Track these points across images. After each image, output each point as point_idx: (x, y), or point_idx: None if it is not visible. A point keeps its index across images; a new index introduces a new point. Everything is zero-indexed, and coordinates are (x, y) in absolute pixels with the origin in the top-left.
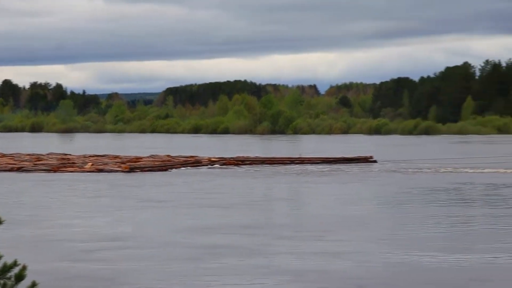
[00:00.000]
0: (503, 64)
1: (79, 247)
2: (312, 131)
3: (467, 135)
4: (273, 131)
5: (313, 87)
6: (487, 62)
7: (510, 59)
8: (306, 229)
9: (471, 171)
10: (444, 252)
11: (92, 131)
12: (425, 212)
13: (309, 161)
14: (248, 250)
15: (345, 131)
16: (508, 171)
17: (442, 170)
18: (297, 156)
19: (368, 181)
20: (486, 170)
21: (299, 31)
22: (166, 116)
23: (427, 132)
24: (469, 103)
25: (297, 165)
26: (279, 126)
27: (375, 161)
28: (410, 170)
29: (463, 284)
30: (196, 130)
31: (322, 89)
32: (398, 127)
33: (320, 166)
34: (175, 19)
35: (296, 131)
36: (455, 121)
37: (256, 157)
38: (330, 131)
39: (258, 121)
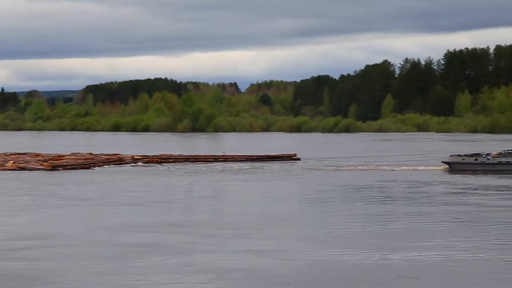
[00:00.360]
0: (422, 63)
1: (1, 245)
2: (233, 129)
3: (387, 133)
4: (194, 129)
5: (234, 85)
6: (406, 60)
7: (429, 57)
8: (230, 227)
9: (393, 168)
10: (369, 249)
11: (11, 129)
12: (349, 209)
13: (232, 159)
14: (173, 248)
15: (266, 129)
16: (428, 168)
17: (364, 168)
18: (221, 154)
19: (292, 178)
20: (407, 168)
21: (219, 29)
22: (86, 114)
23: (348, 130)
24: (388, 101)
25: (220, 163)
26: (200, 124)
27: (298, 159)
28: (332, 168)
29: (388, 281)
30: (116, 128)
31: (243, 87)
32: (318, 125)
33: (244, 164)
34: (95, 16)
35: (217, 129)
36: (375, 119)
37: (180, 155)
38: (250, 129)
39: (178, 119)
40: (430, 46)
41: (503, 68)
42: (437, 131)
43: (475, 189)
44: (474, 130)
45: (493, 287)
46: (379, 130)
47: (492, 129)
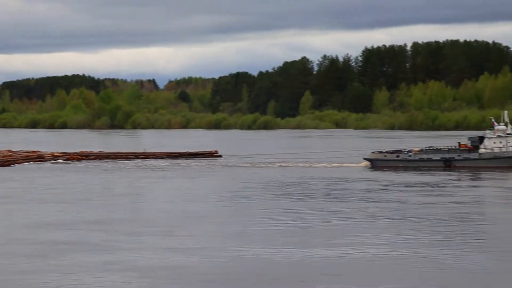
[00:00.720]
0: (340, 59)
1: None
2: (151, 125)
3: (305, 130)
4: (112, 126)
5: (152, 82)
6: (324, 57)
7: (347, 54)
8: (152, 224)
9: (314, 165)
10: (291, 246)
11: None
12: (271, 206)
13: (154, 156)
14: (95, 246)
15: (184, 125)
16: (350, 165)
17: (286, 164)
18: (141, 151)
19: (214, 175)
20: (328, 165)
21: (138, 25)
22: (3, 111)
23: (266, 126)
24: (307, 98)
25: (141, 160)
26: (118, 121)
27: (220, 156)
28: (254, 164)
29: (312, 278)
30: (33, 124)
31: (161, 84)
32: (237, 121)
33: (165, 161)
34: (12, 12)
35: (135, 126)
36: (294, 115)
37: (100, 152)
38: (169, 125)
39: (96, 115)
40: (348, 43)
41: (420, 65)
42: (355, 128)
43: (397, 186)
44: (392, 127)
45: (412, 282)
46: (298, 126)
47: (410, 126)
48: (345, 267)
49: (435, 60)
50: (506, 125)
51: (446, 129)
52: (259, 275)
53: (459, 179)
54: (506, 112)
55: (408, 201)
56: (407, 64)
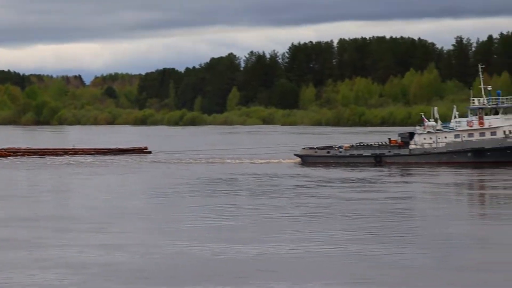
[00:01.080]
0: (267, 56)
1: None
2: (77, 121)
3: (232, 126)
4: (38, 122)
5: (78, 78)
6: (251, 53)
7: (274, 50)
8: (84, 221)
9: (245, 161)
10: (227, 243)
11: None
12: (204, 202)
13: (83, 152)
14: (26, 243)
15: (111, 122)
16: (281, 161)
17: (216, 161)
18: (70, 147)
19: (144, 172)
20: (259, 161)
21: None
22: None
23: (193, 122)
24: (234, 94)
25: (71, 156)
26: (44, 117)
27: (149, 152)
28: (184, 161)
29: (248, 274)
30: None
31: (87, 80)
32: (164, 118)
33: (94, 157)
34: None
35: (61, 122)
36: (221, 112)
37: (28, 148)
38: (95, 122)
39: (22, 111)
40: (275, 39)
41: (347, 61)
42: (283, 124)
43: (328, 182)
44: (319, 123)
45: (347, 278)
46: (225, 123)
47: (336, 122)
48: (279, 263)
49: (362, 57)
50: (436, 121)
51: (373, 125)
52: (193, 272)
53: (390, 175)
54: (435, 108)
55: (340, 197)
56: (334, 61)
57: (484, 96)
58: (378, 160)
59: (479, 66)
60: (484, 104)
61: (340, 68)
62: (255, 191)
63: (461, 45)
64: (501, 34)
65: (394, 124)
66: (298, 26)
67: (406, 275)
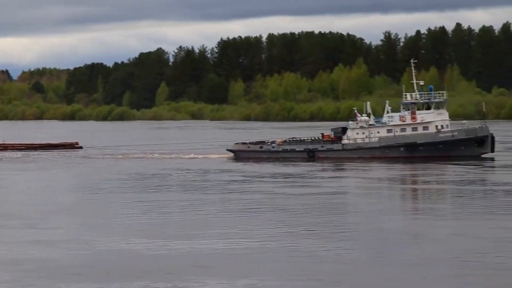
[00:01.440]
0: (196, 51)
1: None
2: (4, 116)
3: (161, 121)
4: None
5: (5, 73)
6: (180, 48)
7: (203, 45)
8: (16, 217)
9: (178, 156)
10: (160, 238)
11: None
12: (136, 198)
13: (13, 148)
14: None
15: (39, 117)
16: (214, 156)
17: (148, 156)
18: (0, 142)
19: (76, 167)
20: (192, 156)
21: None
22: None
23: (122, 117)
24: (163, 89)
25: (0, 152)
26: None
27: (80, 147)
28: (116, 156)
29: (183, 270)
30: None
31: (15, 75)
32: (92, 113)
33: (25, 153)
34: None
35: None
36: (149, 107)
37: None
38: (23, 117)
39: None
40: (204, 34)
41: (276, 56)
42: (212, 119)
43: (261, 177)
44: (248, 118)
45: (283, 274)
46: (154, 118)
47: (266, 117)
48: (214, 259)
49: (291, 52)
50: (368, 116)
51: (302, 120)
52: (126, 268)
53: (323, 170)
54: (368, 103)
55: (274, 193)
56: (263, 56)
57: (416, 91)
58: (311, 155)
59: (411, 61)
60: (416, 99)
61: (269, 63)
62: (188, 186)
63: (389, 40)
64: (429, 30)
65: (323, 119)
66: (227, 21)
67: (341, 270)
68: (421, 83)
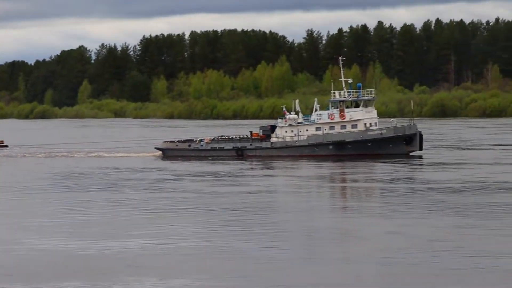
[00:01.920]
0: (119, 48)
1: None
2: None
3: (84, 119)
4: None
5: None
6: (102, 46)
7: (125, 43)
8: None
9: (104, 155)
10: (90, 238)
11: None
12: (65, 197)
13: None
14: None
15: None
16: (142, 154)
17: (77, 154)
18: None
19: (2, 166)
20: (120, 154)
21: None
22: None
23: (44, 116)
24: (85, 87)
25: None
26: None
27: (6, 146)
28: (43, 155)
29: (114, 270)
30: None
31: None
32: (14, 111)
33: None
34: None
35: None
36: (72, 105)
37: None
38: None
39: None
40: (126, 31)
41: (198, 54)
42: (135, 117)
43: (190, 176)
44: (171, 116)
45: (216, 273)
46: (76, 116)
47: (189, 115)
48: (145, 258)
49: (213, 49)
50: (297, 114)
51: (225, 118)
52: (56, 268)
53: (252, 168)
54: (297, 101)
55: (203, 191)
56: (186, 53)
57: (345, 89)
58: (239, 154)
59: (340, 59)
60: (345, 97)
61: (192, 61)
62: (116, 185)
63: (311, 38)
64: (351, 28)
65: (246, 117)
66: (150, 18)
67: (271, 269)
68: (350, 80)
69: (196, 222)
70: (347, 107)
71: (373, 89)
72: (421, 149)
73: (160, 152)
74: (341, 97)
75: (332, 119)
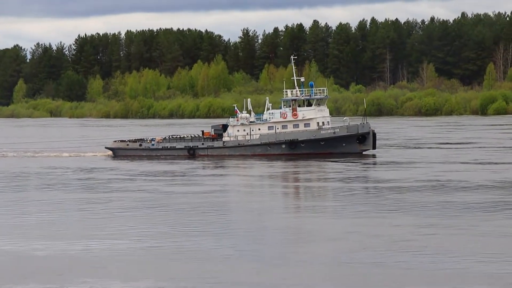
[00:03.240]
0: (54, 48)
1: None
2: None
3: (20, 119)
4: None
5: None
6: (38, 45)
7: (60, 42)
8: None
9: (52, 155)
10: (47, 239)
11: None
12: (18, 198)
13: None
14: None
15: None
16: (92, 154)
17: (22, 154)
18: None
19: None
20: (69, 154)
21: None
22: None
23: None
24: (20, 86)
25: None
26: None
27: None
28: None
29: (72, 271)
30: None
31: None
32: None
33: None
34: None
35: None
36: (7, 104)
37: None
38: None
39: None
40: (62, 30)
41: (134, 53)
42: (70, 116)
43: (142, 175)
44: (107, 115)
45: (175, 273)
46: (12, 115)
47: (125, 114)
48: (101, 260)
49: (149, 49)
50: (249, 113)
51: (161, 117)
52: (14, 269)
53: (204, 168)
54: (249, 100)
55: (155, 191)
56: (122, 53)
57: (297, 87)
58: (191, 153)
59: (291, 57)
60: (297, 96)
61: (128, 60)
62: (69, 185)
63: (247, 37)
64: (286, 27)
65: (182, 116)
66: (86, 18)
67: (223, 269)
68: (302, 79)
69: (152, 222)
70: (299, 106)
71: (325, 88)
72: (374, 148)
73: (110, 152)
74: (293, 96)
75: (285, 118)
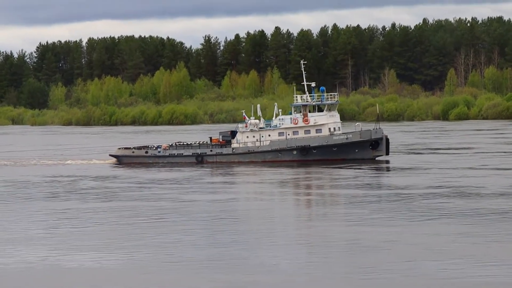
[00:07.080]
0: (15, 55)
1: None
2: None
3: None
4: None
5: None
6: None
7: (22, 50)
8: None
9: (56, 162)
10: (46, 249)
11: None
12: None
13: None
14: None
15: None
16: (96, 162)
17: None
18: None
19: None
20: (72, 162)
21: None
22: None
23: None
24: None
25: None
26: None
27: None
28: None
29: (72, 284)
30: None
31: None
32: None
33: None
34: None
35: None
36: None
37: None
38: None
39: None
40: (25, 38)
41: (96, 60)
42: (32, 124)
43: (151, 183)
44: (69, 123)
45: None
46: None
47: (87, 122)
48: (101, 272)
49: (111, 56)
50: (258, 119)
51: (124, 124)
52: (16, 281)
53: (213, 175)
54: (258, 105)
55: (172, 199)
56: (83, 60)
57: (307, 93)
58: (199, 160)
59: (301, 62)
60: (308, 101)
61: (90, 68)
62: (75, 194)
63: (209, 44)
64: (248, 33)
65: (145, 123)
66: (49, 25)
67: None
68: (313, 85)
69: (168, 232)
70: (309, 111)
71: (336, 93)
72: (387, 153)
73: (114, 159)
74: (303, 101)
75: (296, 123)
